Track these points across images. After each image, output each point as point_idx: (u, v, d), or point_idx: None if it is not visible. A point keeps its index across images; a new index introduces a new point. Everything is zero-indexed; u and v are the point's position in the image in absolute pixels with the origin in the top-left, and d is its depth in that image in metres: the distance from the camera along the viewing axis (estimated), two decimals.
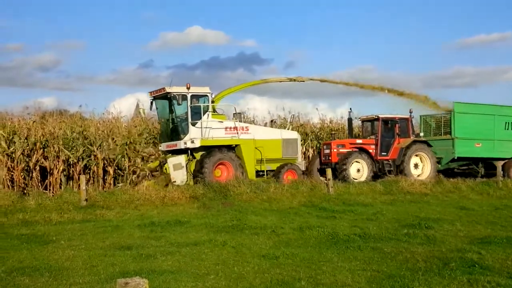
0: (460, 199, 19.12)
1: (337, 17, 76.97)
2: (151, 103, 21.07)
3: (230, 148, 20.45)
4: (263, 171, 20.90)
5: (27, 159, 20.44)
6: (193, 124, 19.92)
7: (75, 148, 20.96)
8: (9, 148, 20.39)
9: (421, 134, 24.44)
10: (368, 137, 23.35)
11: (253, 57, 74.07)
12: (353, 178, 21.27)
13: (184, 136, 19.92)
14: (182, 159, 19.87)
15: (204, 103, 20.30)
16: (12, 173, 20.28)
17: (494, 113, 24.47)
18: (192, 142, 19.64)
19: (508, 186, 21.72)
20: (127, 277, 7.85)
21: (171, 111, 20.66)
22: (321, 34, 78.26)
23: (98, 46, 78.22)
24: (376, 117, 23.10)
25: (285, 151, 21.42)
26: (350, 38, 75.82)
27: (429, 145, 23.01)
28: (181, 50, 79.15)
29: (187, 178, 19.81)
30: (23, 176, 20.50)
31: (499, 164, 24.16)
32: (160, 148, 21.41)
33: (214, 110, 20.90)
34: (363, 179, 21.35)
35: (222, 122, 20.62)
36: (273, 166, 21.08)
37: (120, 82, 73.80)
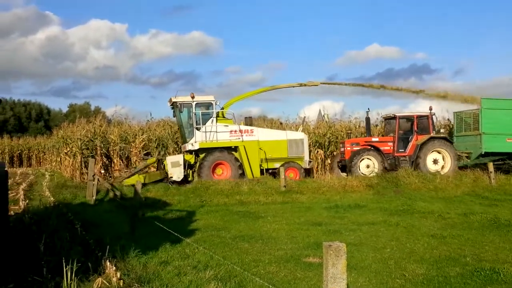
0: None
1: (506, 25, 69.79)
2: (173, 111, 19.81)
3: (231, 149, 18.83)
4: (273, 168, 19.10)
5: None
6: (198, 129, 18.69)
7: None
8: None
9: (442, 130, 21.18)
10: (389, 134, 20.59)
11: (424, 67, 70.73)
12: (362, 173, 19.06)
13: (190, 139, 18.86)
14: (180, 157, 18.61)
15: (210, 110, 18.95)
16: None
17: None
18: (192, 145, 18.61)
19: None
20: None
21: (181, 117, 19.42)
22: (490, 42, 71.67)
23: (295, 65, 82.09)
24: (393, 115, 20.42)
25: (290, 150, 19.36)
26: None
27: (449, 141, 19.73)
28: (361, 64, 79.36)
29: (189, 174, 18.73)
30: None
31: None
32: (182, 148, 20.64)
33: (223, 116, 19.40)
34: (373, 174, 18.87)
35: (227, 126, 19.01)
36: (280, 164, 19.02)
37: (310, 93, 76.40)
